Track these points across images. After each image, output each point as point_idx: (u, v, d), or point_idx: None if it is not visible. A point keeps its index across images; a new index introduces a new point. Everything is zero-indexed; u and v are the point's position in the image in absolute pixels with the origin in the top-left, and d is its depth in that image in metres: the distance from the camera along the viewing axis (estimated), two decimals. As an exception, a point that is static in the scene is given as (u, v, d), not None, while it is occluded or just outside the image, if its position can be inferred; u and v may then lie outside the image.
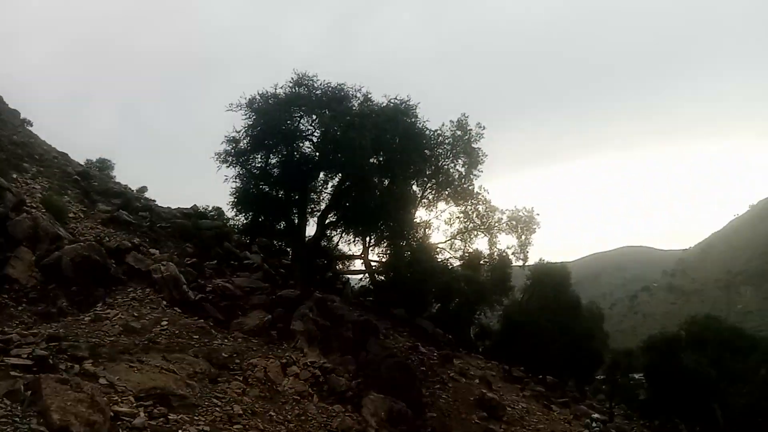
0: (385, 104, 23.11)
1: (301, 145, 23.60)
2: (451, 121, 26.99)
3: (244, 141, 22.62)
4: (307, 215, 24.63)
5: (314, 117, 22.72)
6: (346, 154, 21.07)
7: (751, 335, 32.16)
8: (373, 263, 27.34)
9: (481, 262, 31.15)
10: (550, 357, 29.87)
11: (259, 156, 23.29)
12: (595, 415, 24.59)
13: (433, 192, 27.69)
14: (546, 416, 21.46)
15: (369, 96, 23.37)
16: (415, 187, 26.71)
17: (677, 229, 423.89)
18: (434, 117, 27.57)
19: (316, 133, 23.17)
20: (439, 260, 27.67)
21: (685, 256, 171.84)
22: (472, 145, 26.83)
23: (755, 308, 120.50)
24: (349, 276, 29.89)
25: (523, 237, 29.38)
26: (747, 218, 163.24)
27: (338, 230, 26.05)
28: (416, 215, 26.97)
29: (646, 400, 31.87)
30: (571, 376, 35.03)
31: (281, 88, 22.73)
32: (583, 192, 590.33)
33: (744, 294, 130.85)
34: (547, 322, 29.49)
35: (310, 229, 24.61)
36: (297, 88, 22.61)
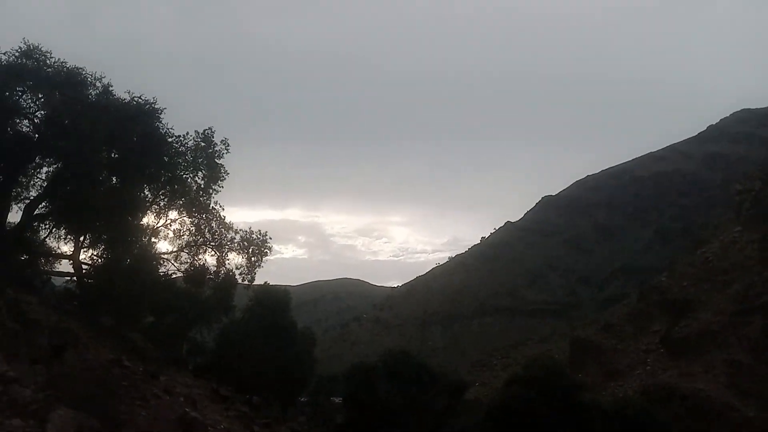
0: (128, 100, 21.68)
1: (18, 122, 20.77)
2: (196, 132, 26.35)
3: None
4: (11, 201, 21.58)
5: (40, 96, 20.26)
6: (72, 143, 19.14)
7: (436, 370, 36.69)
8: (84, 266, 24.90)
9: (207, 278, 30.51)
10: (260, 378, 30.35)
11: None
12: (294, 437, 25.52)
13: (166, 199, 26.50)
14: (247, 437, 21.63)
15: (110, 88, 21.75)
16: (147, 192, 25.30)
17: (390, 270, 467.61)
18: (180, 125, 26.52)
19: (39, 114, 20.63)
20: (161, 272, 26.38)
21: (393, 294, 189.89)
22: (216, 160, 26.48)
23: (442, 346, 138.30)
24: (52, 276, 26.75)
25: (253, 259, 29.65)
26: (445, 268, 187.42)
27: (48, 224, 23.27)
28: (144, 221, 25.51)
29: (342, 424, 34.19)
30: (278, 397, 35.96)
31: (4, 54, 19.87)
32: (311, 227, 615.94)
33: (435, 332, 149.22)
34: (262, 343, 30.00)
35: (14, 217, 21.59)
36: (24, 60, 19.97)
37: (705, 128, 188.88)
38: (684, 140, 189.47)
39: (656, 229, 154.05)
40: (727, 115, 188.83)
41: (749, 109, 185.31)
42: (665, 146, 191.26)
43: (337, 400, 37.54)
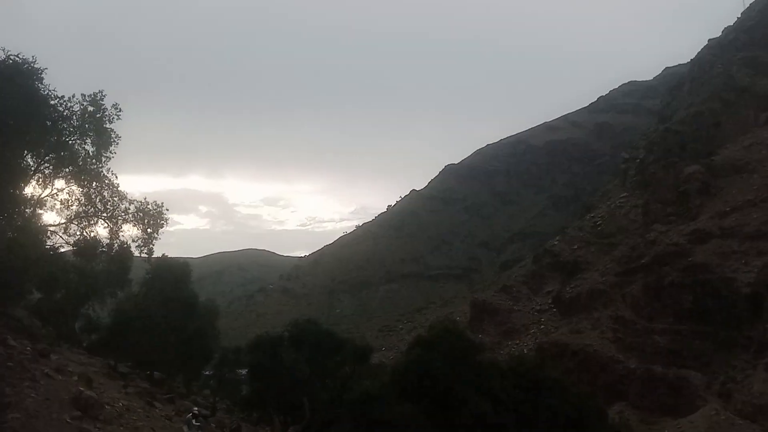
0: (2, 59, 19.84)
1: None
2: (83, 95, 24.50)
3: None
4: None
5: None
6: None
7: (341, 337, 36.89)
8: (-42, 240, 22.83)
9: (99, 251, 28.91)
10: (160, 353, 29.46)
11: None
12: (195, 410, 25.03)
13: (51, 167, 24.63)
14: (147, 413, 21.06)
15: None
16: (29, 159, 23.41)
17: (297, 239, 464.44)
18: (67, 90, 24.57)
19: None
20: (48, 245, 24.67)
21: (301, 264, 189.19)
22: (105, 125, 24.82)
23: (350, 313, 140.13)
24: None
25: (149, 230, 28.27)
26: (352, 237, 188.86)
27: None
28: (26, 190, 23.64)
29: (247, 395, 33.97)
30: (180, 371, 35.12)
31: None
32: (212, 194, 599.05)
33: (342, 300, 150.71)
34: (161, 317, 29.04)
35: None
36: None
37: (596, 99, 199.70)
38: (576, 110, 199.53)
39: (549, 196, 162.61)
40: (616, 86, 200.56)
41: (635, 81, 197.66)
42: (559, 116, 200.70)
43: (243, 372, 37.19)
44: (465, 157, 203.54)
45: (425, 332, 28.07)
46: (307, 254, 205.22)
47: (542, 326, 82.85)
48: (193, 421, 22.79)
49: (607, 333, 70.75)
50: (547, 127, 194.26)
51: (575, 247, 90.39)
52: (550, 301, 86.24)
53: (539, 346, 74.63)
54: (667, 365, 61.90)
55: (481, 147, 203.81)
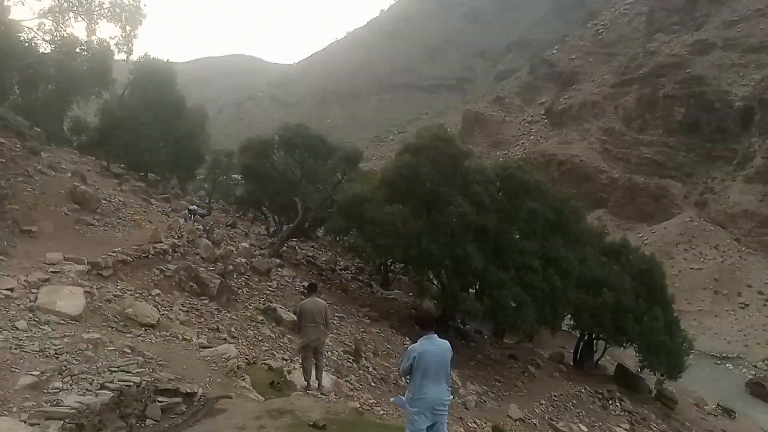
0: None
1: None
2: None
3: None
4: None
5: None
6: None
7: (332, 144, 36.73)
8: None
9: (78, 49, 27.72)
10: (152, 155, 29.70)
11: None
12: (193, 207, 25.91)
13: (17, -42, 22.56)
14: (144, 209, 21.70)
15: None
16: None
17: (284, 44, 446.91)
18: None
19: None
20: (22, 39, 23.52)
21: (290, 71, 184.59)
22: None
23: (341, 123, 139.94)
24: None
25: (128, 28, 26.79)
26: (344, 44, 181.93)
27: None
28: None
29: (242, 195, 35.10)
30: (174, 173, 35.81)
31: None
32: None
33: (333, 110, 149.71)
34: (149, 120, 28.75)
35: None
36: None
37: None
38: None
39: (553, 1, 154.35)
40: None
41: None
42: None
43: (237, 177, 38.04)
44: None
45: (414, 139, 28.12)
46: (296, 62, 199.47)
47: (532, 137, 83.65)
48: (190, 216, 23.71)
49: (595, 144, 71.85)
50: None
51: (573, 57, 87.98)
52: (542, 113, 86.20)
53: (526, 155, 76.11)
54: (650, 175, 63.89)
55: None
